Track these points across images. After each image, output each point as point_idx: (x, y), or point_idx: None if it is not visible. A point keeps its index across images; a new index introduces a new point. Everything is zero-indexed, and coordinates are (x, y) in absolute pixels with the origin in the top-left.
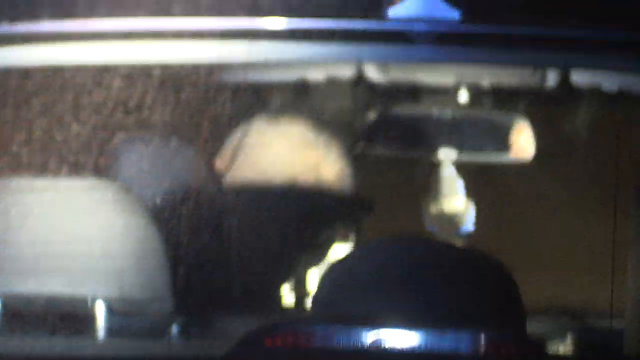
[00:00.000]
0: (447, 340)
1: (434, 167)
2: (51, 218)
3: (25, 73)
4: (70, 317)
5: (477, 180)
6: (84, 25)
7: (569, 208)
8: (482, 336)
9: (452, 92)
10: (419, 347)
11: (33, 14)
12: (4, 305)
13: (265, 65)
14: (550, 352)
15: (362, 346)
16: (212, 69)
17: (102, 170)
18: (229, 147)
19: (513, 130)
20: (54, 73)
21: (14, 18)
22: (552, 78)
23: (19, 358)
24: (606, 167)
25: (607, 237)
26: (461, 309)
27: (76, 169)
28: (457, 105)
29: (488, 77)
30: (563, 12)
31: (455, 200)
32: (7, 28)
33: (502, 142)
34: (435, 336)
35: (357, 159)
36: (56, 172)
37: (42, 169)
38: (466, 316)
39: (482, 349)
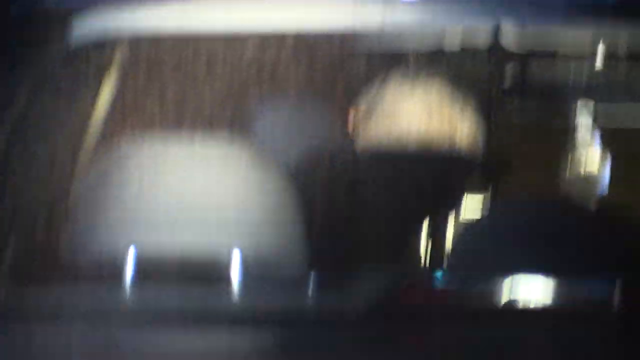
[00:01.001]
0: (582, 290)
1: (570, 130)
2: (187, 174)
3: (161, 36)
4: (205, 269)
5: (612, 143)
6: None
7: None
8: (614, 285)
9: (587, 56)
10: (553, 301)
11: None
12: (139, 256)
13: (401, 30)
14: None
15: (496, 304)
16: (347, 35)
17: (237, 129)
18: (365, 108)
19: None
20: (190, 37)
21: None
22: None
23: (154, 308)
24: None
25: None
26: (593, 263)
27: (212, 129)
28: (593, 69)
29: (623, 39)
30: None
31: (592, 162)
32: None
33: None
34: (575, 285)
35: (493, 122)
36: (192, 132)
37: (178, 128)
38: (596, 268)
39: (612, 297)
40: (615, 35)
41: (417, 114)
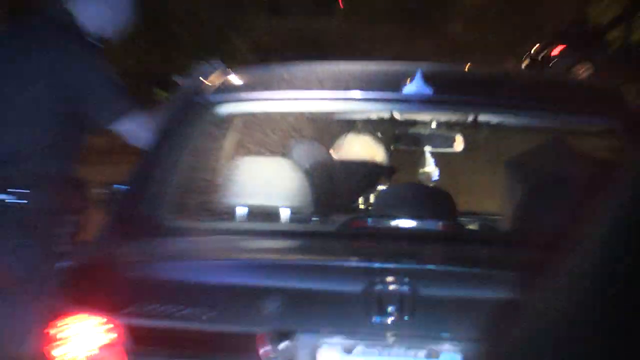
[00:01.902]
0: (429, 225)
1: (422, 153)
2: (263, 174)
3: (253, 115)
4: (270, 214)
5: (439, 159)
6: (283, 93)
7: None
8: (441, 222)
9: (429, 123)
10: (414, 228)
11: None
12: (245, 212)
13: (352, 112)
14: (465, 229)
15: (392, 229)
16: (332, 114)
17: (284, 154)
18: (338, 146)
19: (455, 139)
20: (266, 115)
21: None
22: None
23: (253, 230)
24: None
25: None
26: (434, 209)
27: (273, 154)
28: (432, 128)
29: (446, 116)
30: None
31: (430, 168)
32: (245, 95)
33: (450, 143)
34: (422, 223)
35: (391, 152)
36: (265, 155)
37: (258, 154)
38: (434, 211)
39: (443, 227)
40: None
41: (360, 150)
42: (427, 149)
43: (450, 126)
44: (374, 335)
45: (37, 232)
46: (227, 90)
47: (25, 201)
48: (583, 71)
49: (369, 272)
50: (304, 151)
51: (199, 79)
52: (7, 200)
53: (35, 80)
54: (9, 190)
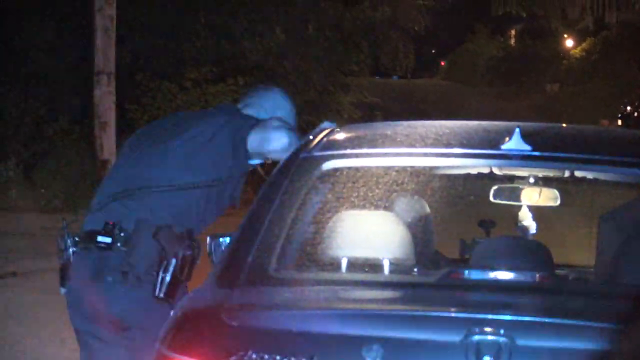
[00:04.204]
0: (526, 276)
1: (520, 207)
2: (367, 227)
3: (356, 170)
4: (373, 266)
5: (537, 213)
6: (386, 149)
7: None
8: (538, 274)
9: (527, 178)
10: (511, 280)
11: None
12: (349, 263)
13: (453, 167)
14: (562, 281)
15: (490, 281)
16: (433, 169)
17: (387, 207)
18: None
19: (553, 194)
20: (369, 170)
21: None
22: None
23: (352, 280)
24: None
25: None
26: (532, 264)
27: (376, 207)
28: (530, 183)
29: (543, 172)
30: None
31: (528, 221)
32: (349, 151)
33: (553, 197)
34: (519, 275)
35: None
36: (368, 209)
37: (361, 208)
38: (533, 267)
39: (540, 279)
40: None
41: None
42: (525, 203)
43: (548, 181)
44: None
45: (145, 278)
46: (332, 146)
47: (126, 248)
48: None
49: (467, 322)
50: (406, 205)
51: (307, 136)
52: (110, 244)
53: (212, 127)
54: (113, 233)
